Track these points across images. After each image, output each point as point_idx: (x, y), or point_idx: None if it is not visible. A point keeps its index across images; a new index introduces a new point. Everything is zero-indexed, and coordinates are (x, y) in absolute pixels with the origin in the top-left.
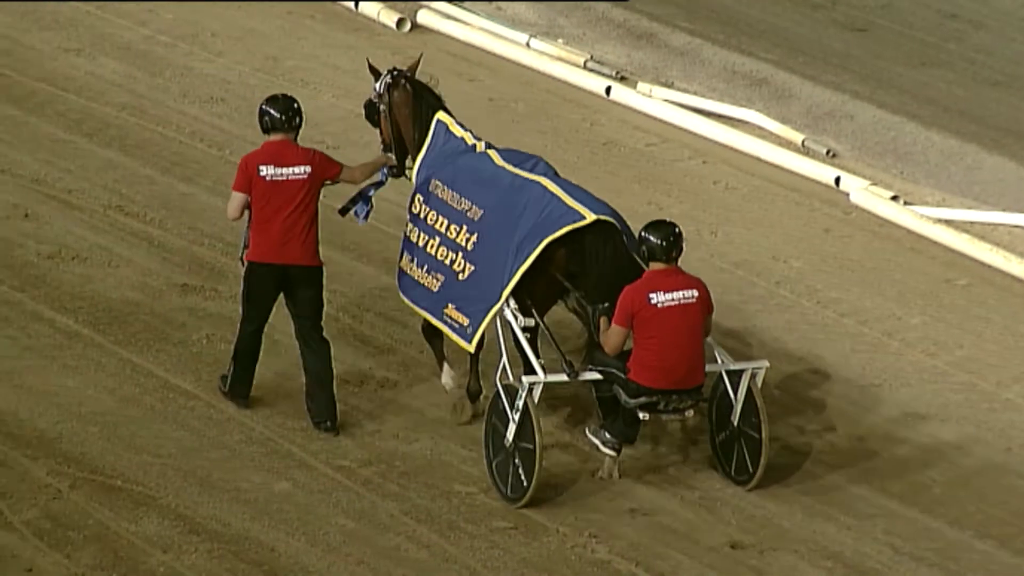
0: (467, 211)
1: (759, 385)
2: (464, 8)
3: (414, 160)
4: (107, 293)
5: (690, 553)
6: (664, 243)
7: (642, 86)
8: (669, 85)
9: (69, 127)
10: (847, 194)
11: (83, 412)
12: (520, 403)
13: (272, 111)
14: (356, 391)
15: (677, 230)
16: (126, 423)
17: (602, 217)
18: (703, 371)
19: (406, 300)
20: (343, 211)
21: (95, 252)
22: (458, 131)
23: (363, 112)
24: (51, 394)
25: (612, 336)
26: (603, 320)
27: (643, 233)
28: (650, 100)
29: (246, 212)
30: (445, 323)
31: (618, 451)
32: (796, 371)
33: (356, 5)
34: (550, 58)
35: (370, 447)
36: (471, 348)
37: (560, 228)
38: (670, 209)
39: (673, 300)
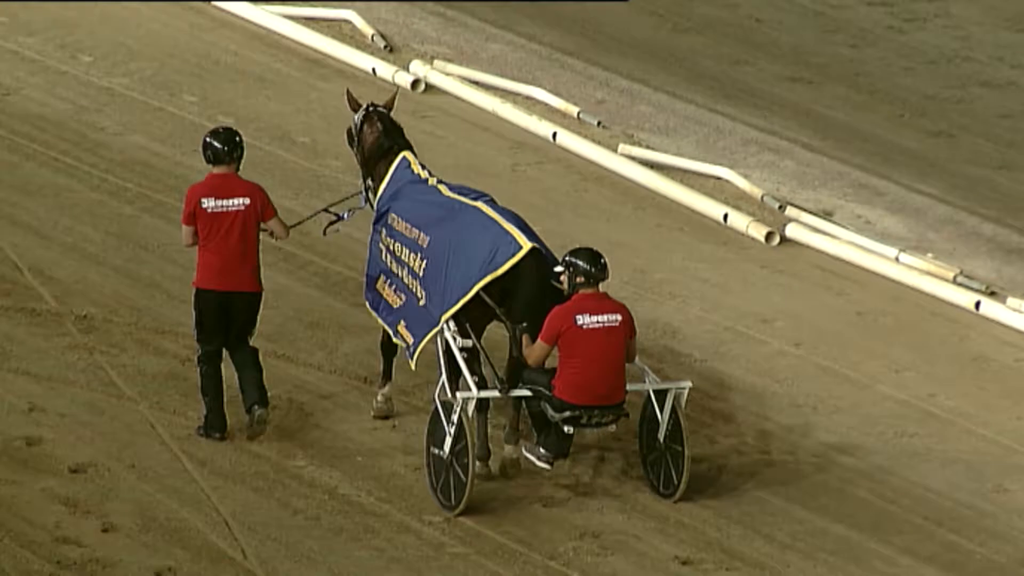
0: (417, 239)
1: (683, 405)
2: (833, 222)
3: (375, 188)
4: (473, 503)
5: None
6: (592, 269)
7: (1012, 301)
8: None
9: None
10: None
11: None
12: (455, 417)
13: (215, 143)
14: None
15: (603, 259)
16: None
17: (535, 245)
18: (624, 389)
19: (373, 313)
20: (326, 231)
21: None
22: (417, 168)
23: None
24: None
25: (536, 350)
26: (525, 337)
27: (571, 259)
28: (1020, 315)
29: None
30: (399, 339)
31: (551, 464)
32: None
33: (725, 219)
34: (919, 272)
35: None
36: (412, 365)
37: (502, 265)
38: None
39: (598, 323)
